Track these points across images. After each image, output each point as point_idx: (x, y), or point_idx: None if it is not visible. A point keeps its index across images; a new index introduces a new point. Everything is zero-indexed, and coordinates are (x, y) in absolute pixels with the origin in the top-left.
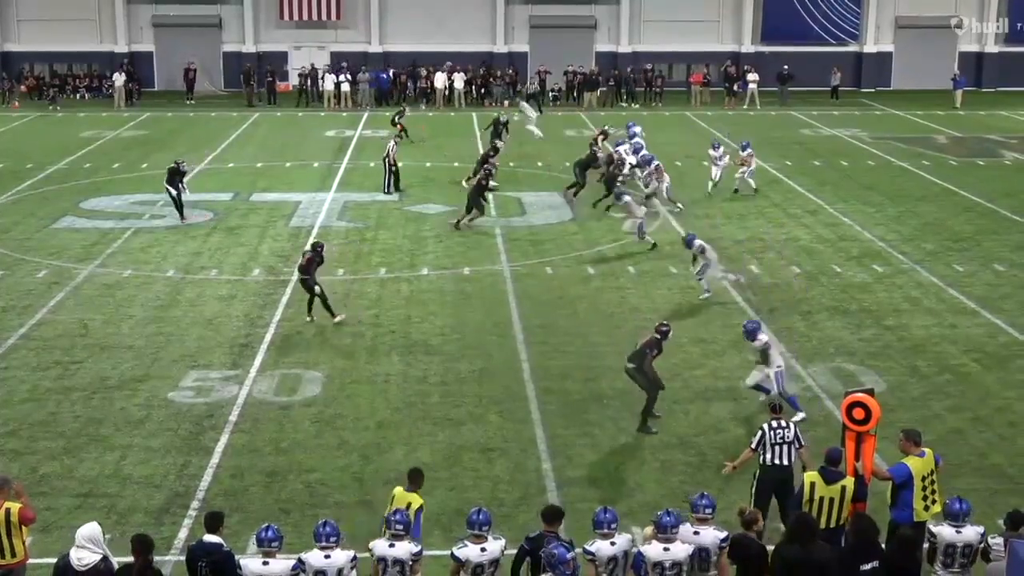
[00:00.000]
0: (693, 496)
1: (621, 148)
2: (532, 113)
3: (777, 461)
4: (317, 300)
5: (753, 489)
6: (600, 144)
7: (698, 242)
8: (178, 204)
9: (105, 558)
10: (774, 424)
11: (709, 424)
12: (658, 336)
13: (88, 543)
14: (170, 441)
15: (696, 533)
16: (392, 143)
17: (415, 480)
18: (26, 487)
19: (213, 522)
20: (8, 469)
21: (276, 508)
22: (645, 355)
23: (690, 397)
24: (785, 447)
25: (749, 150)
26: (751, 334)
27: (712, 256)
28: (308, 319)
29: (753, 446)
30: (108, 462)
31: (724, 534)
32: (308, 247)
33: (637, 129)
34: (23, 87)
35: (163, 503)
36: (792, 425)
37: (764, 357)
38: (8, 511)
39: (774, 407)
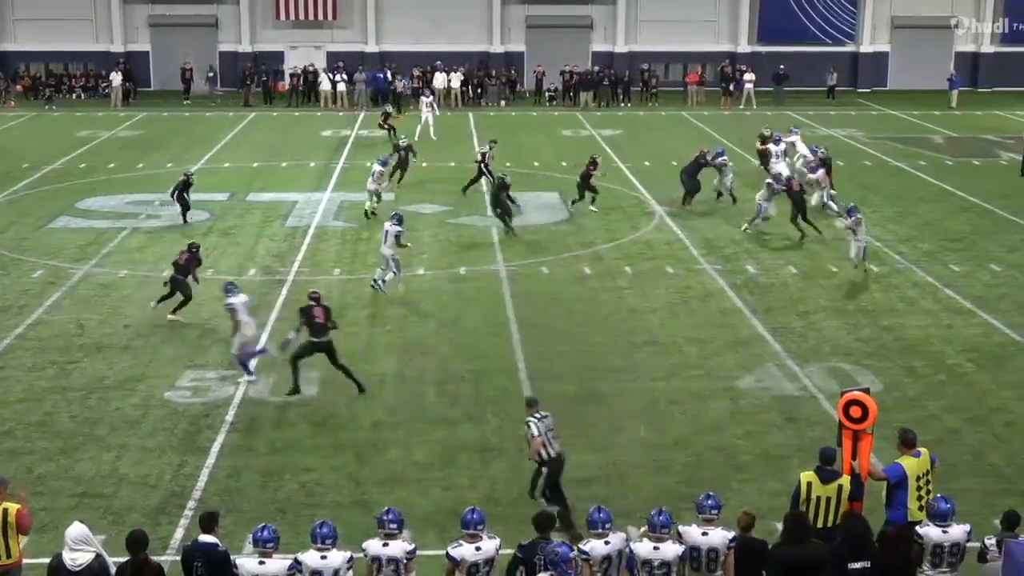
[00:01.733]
0: (699, 497)
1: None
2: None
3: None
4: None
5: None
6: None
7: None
8: (184, 210)
9: (98, 556)
10: (538, 416)
11: (706, 424)
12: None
13: (80, 544)
14: (166, 441)
15: (704, 534)
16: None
17: None
18: (22, 486)
19: (208, 522)
20: (5, 469)
21: (272, 508)
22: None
23: (687, 397)
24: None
25: (722, 158)
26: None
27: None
28: (171, 317)
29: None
30: (104, 462)
31: (732, 534)
32: (186, 246)
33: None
34: (19, 87)
35: (159, 503)
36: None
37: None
38: (6, 511)
39: (530, 401)
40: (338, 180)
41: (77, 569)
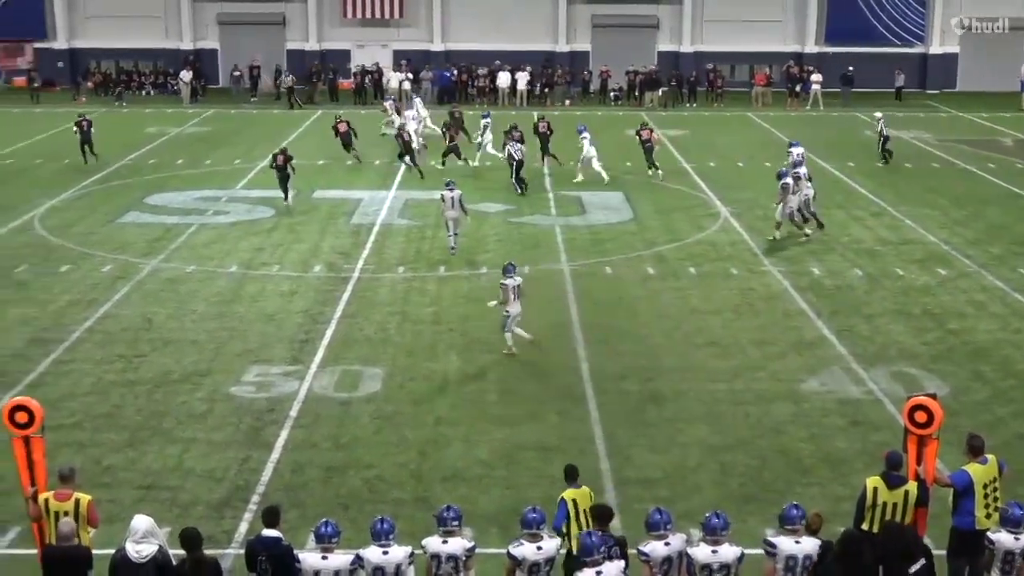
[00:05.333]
0: (786, 506)
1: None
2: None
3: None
4: None
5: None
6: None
7: (788, 182)
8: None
9: (162, 548)
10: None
11: (769, 426)
12: None
13: (145, 536)
14: (231, 435)
15: (797, 542)
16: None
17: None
18: (90, 479)
19: (271, 516)
20: (73, 461)
21: (335, 503)
22: None
23: (751, 399)
24: None
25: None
26: None
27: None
28: None
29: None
30: (170, 455)
31: (819, 541)
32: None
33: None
34: (90, 83)
35: (224, 496)
36: None
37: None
38: (78, 502)
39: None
40: (403, 178)
41: (142, 561)
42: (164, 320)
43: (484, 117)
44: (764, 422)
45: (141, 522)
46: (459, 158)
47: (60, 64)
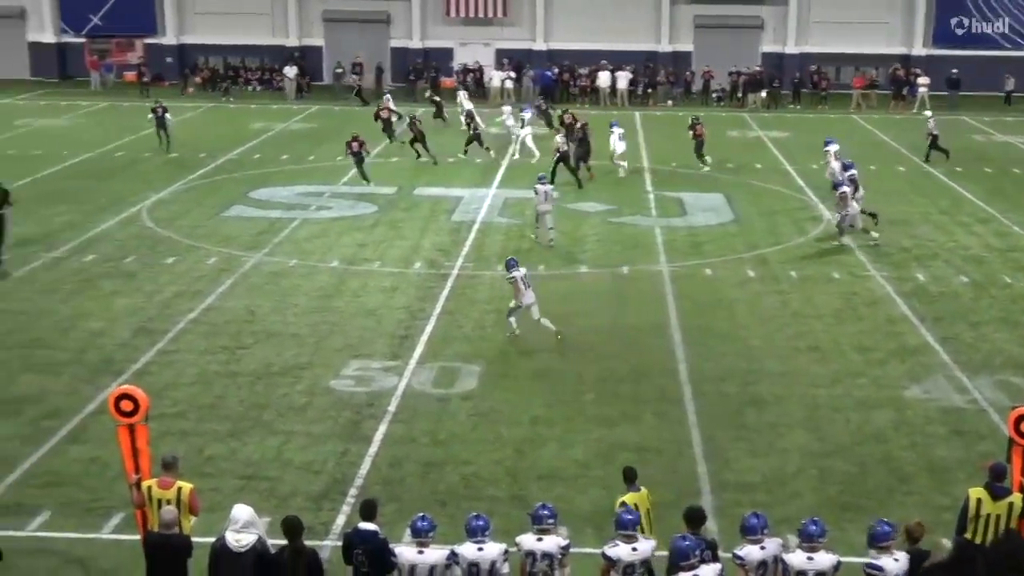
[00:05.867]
0: (876, 524)
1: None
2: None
3: None
4: None
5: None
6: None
7: (846, 189)
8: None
9: (260, 538)
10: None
11: (870, 433)
12: None
13: (247, 526)
14: (330, 428)
15: (896, 560)
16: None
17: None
18: (192, 468)
19: (368, 510)
20: (176, 450)
21: (431, 499)
22: None
23: (851, 405)
24: None
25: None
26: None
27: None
28: None
29: None
30: (271, 446)
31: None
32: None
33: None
34: (198, 79)
35: (322, 489)
36: None
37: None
38: (180, 490)
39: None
40: (504, 176)
41: (241, 550)
42: (267, 313)
43: (523, 111)
44: (865, 429)
45: (242, 511)
46: (481, 145)
47: (169, 59)
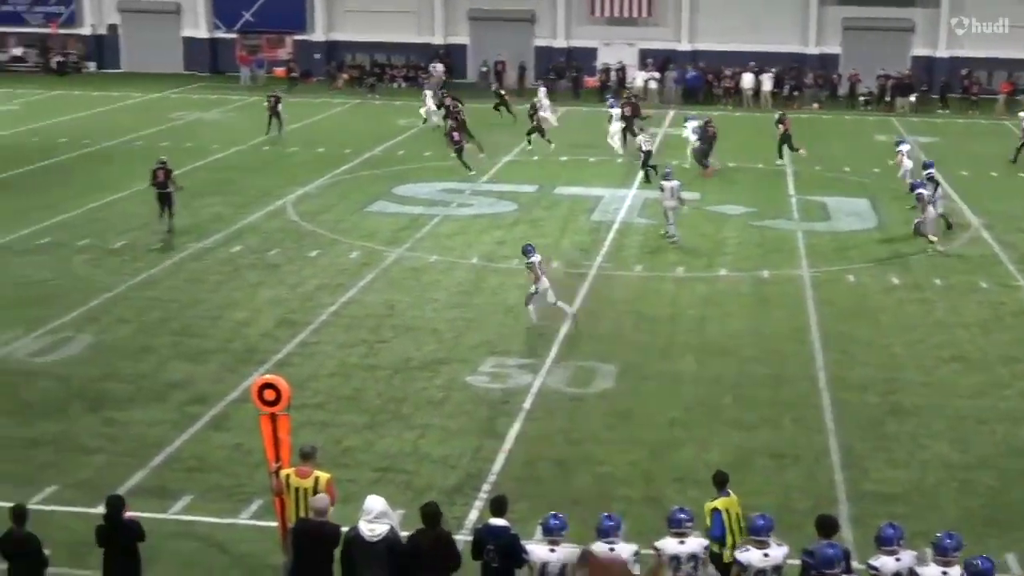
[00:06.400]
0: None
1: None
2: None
3: None
4: None
5: None
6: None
7: (924, 192)
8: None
9: (393, 529)
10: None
11: (1016, 447)
12: None
13: (380, 517)
14: (466, 424)
15: (898, 559)
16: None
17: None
18: (329, 458)
19: (499, 506)
20: (314, 440)
21: (564, 497)
22: None
23: (997, 417)
24: None
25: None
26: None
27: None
28: None
29: None
30: (407, 440)
31: None
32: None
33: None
34: (345, 75)
35: (457, 483)
36: None
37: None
38: (317, 479)
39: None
40: (644, 177)
41: (374, 540)
42: (406, 308)
43: (611, 107)
44: (1011, 442)
45: (375, 502)
46: (542, 136)
47: (317, 56)
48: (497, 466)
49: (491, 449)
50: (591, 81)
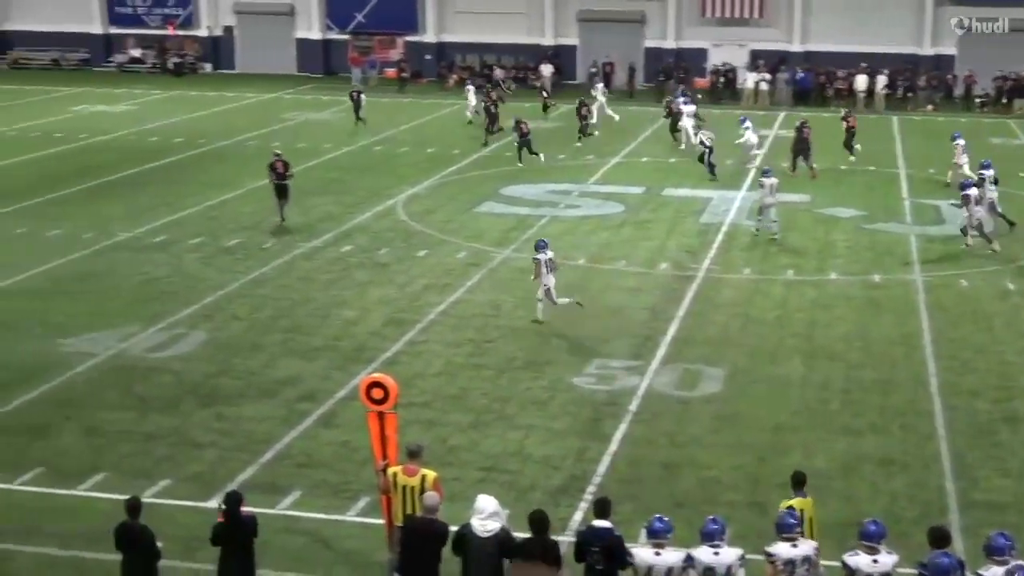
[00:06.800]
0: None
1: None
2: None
3: None
4: None
5: None
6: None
7: (971, 192)
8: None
9: (504, 527)
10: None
11: None
12: None
13: (492, 516)
14: (571, 425)
15: (875, 561)
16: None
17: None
18: (435, 457)
19: (602, 508)
20: (420, 438)
21: (669, 500)
22: None
23: None
24: None
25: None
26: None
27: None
28: None
29: None
30: (512, 440)
31: None
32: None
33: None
34: (455, 76)
35: (561, 484)
36: None
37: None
38: (424, 478)
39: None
40: (754, 179)
41: (486, 535)
42: (512, 308)
43: (686, 103)
44: None
45: (487, 502)
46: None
47: (428, 57)
48: (602, 468)
49: (596, 451)
50: (701, 82)
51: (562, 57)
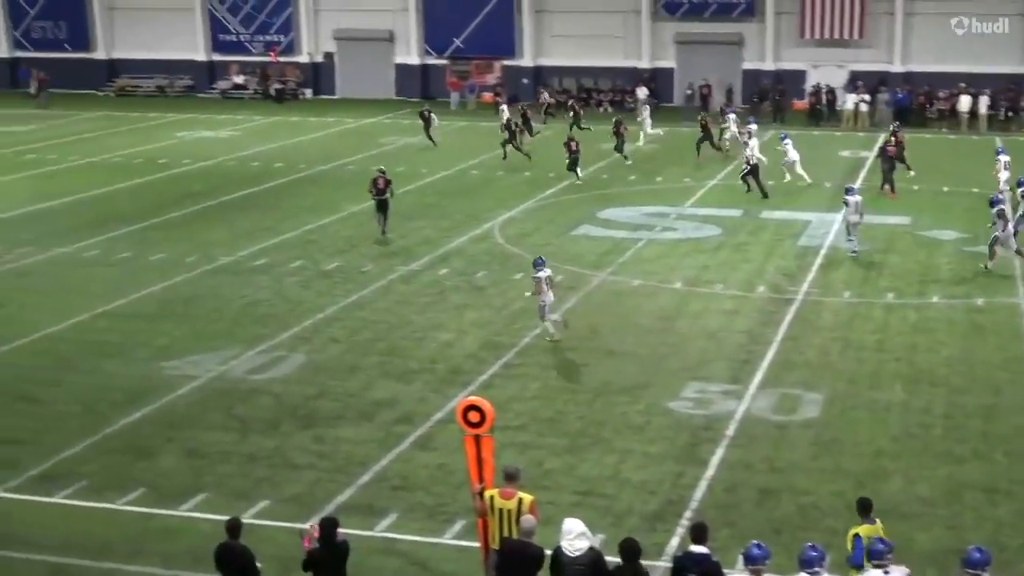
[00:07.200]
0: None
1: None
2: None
3: None
4: None
5: None
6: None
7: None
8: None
9: (593, 547)
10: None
11: None
12: None
13: (579, 536)
14: (667, 449)
15: None
16: None
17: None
18: (531, 480)
19: (699, 533)
20: (516, 462)
21: (767, 526)
22: None
23: None
24: None
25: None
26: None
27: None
28: None
29: None
30: (607, 464)
31: None
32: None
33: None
34: (551, 100)
35: (657, 509)
36: None
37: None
38: (521, 501)
39: None
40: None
41: (576, 554)
42: (608, 331)
43: (749, 123)
44: None
45: (574, 524)
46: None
47: (525, 80)
48: (698, 493)
49: (692, 475)
50: (800, 104)
51: (659, 80)
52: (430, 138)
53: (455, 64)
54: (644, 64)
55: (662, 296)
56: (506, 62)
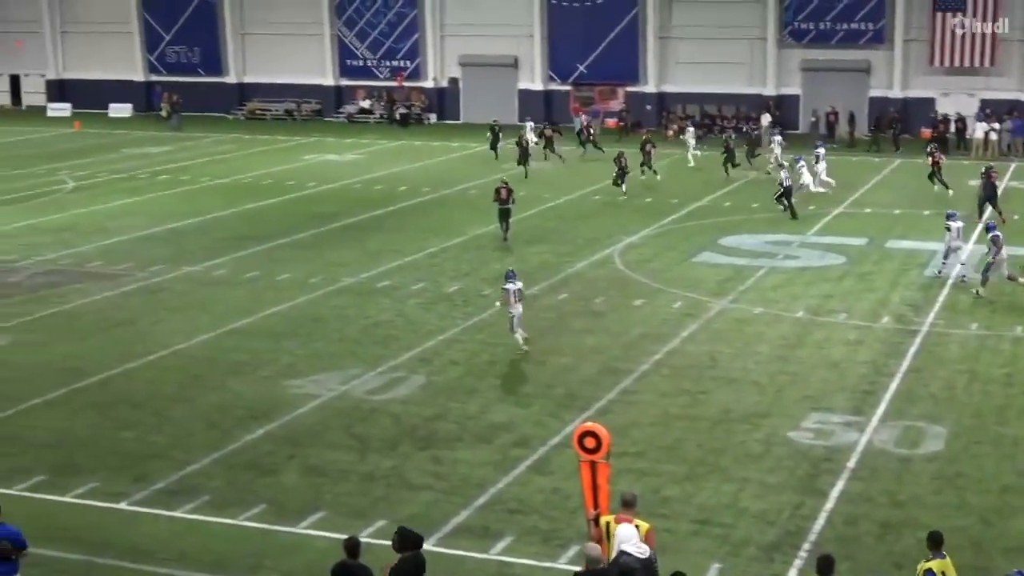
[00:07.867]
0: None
1: None
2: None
3: None
4: None
5: None
6: None
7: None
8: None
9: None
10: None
11: None
12: None
13: (632, 542)
14: (786, 479)
15: None
16: None
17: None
18: (647, 507)
19: (826, 565)
20: (633, 488)
21: (888, 561)
22: None
23: None
24: None
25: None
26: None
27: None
28: None
29: None
30: (725, 492)
31: None
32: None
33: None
34: (675, 126)
35: (775, 540)
36: None
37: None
38: (638, 528)
39: None
40: (981, 232)
41: (644, 556)
42: (728, 359)
43: (818, 146)
44: None
45: (631, 530)
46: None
47: (648, 107)
48: (818, 524)
49: (812, 507)
50: (926, 132)
51: (784, 106)
52: (526, 167)
53: (579, 90)
54: (769, 91)
55: (783, 324)
56: (630, 88)
